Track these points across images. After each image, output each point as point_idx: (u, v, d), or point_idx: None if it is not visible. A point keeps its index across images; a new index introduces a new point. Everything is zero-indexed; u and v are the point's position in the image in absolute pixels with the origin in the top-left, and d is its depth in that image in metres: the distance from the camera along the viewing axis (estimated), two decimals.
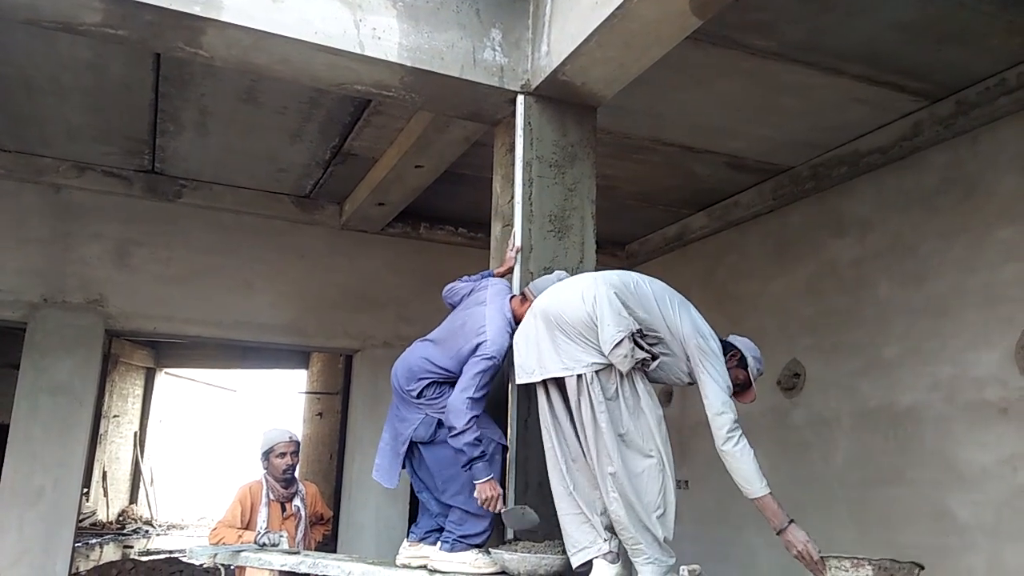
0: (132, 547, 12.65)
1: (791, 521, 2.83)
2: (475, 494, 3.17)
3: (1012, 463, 4.82)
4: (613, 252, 8.70)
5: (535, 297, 3.35)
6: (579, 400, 2.95)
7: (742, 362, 3.18)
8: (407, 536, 3.59)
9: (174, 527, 15.93)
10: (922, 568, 2.71)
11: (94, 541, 12.67)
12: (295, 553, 3.85)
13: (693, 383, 3.07)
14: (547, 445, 3.14)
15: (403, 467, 3.47)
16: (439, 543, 3.35)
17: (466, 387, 3.21)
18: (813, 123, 5.74)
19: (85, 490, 11.52)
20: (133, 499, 16.14)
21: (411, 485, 3.64)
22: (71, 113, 5.97)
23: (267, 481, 4.49)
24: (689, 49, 4.48)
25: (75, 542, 6.71)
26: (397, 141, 6.17)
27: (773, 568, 6.12)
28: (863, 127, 5.80)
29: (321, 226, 7.71)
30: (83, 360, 6.68)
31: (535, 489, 3.58)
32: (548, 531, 3.32)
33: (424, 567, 3.36)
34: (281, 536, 4.06)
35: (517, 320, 3.43)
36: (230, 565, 4.00)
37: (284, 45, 3.75)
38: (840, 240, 6.26)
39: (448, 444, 3.25)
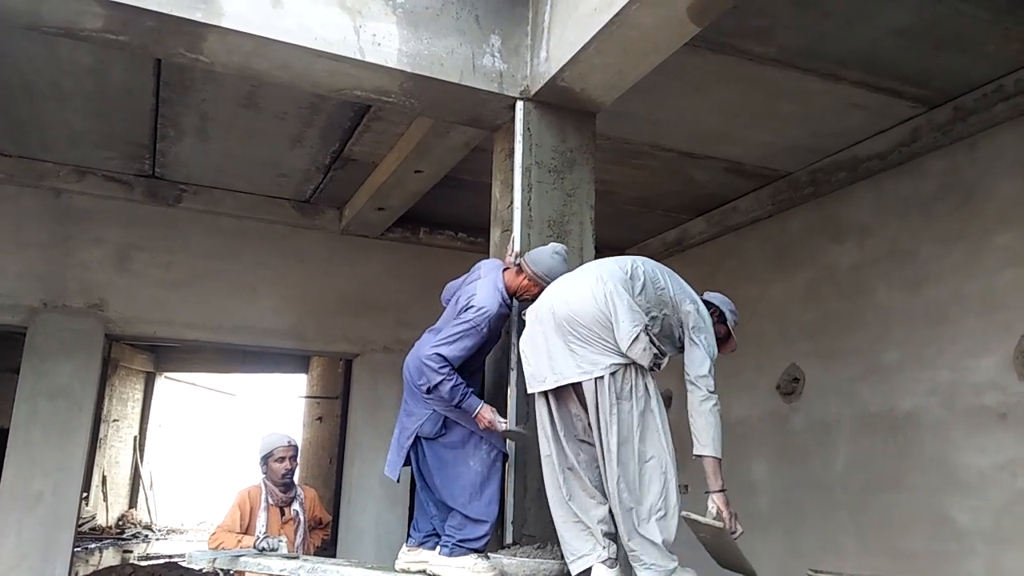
0: (131, 552, 12.61)
1: (725, 490, 3.15)
2: (477, 422, 3.26)
3: (1011, 468, 4.82)
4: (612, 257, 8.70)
5: (531, 269, 3.41)
6: (597, 402, 2.95)
7: (721, 317, 3.42)
8: (406, 541, 3.60)
9: (173, 532, 15.89)
10: None
11: (93, 546, 12.62)
12: (294, 558, 3.85)
13: (681, 352, 3.21)
14: (544, 453, 3.15)
15: (407, 463, 3.47)
16: (438, 547, 3.35)
17: (438, 343, 3.27)
18: (812, 129, 5.75)
19: (84, 494, 11.51)
20: (133, 503, 16.10)
21: (411, 485, 3.64)
22: (72, 118, 5.98)
23: (266, 485, 4.50)
24: (688, 55, 4.48)
25: (74, 547, 6.70)
26: (397, 146, 6.18)
27: (773, 571, 6.11)
28: (862, 133, 5.81)
29: (321, 231, 7.72)
30: (83, 364, 6.69)
31: (534, 495, 3.58)
32: (548, 536, 3.33)
33: (423, 572, 3.36)
34: (280, 541, 4.06)
35: (512, 292, 3.46)
36: (229, 570, 3.99)
37: (284, 51, 3.78)
38: (839, 246, 6.27)
39: (451, 445, 3.26)
